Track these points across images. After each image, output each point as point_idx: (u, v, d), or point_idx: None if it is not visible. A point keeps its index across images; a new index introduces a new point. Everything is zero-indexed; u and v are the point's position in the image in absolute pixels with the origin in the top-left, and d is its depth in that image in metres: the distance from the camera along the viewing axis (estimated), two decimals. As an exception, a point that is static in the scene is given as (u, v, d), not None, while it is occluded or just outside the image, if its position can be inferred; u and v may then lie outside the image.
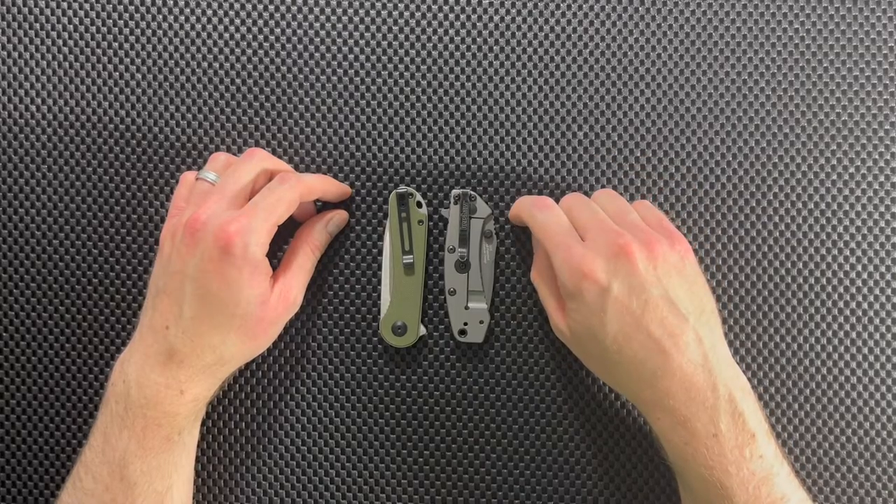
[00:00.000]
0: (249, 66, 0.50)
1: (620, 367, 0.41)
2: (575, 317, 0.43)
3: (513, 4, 0.50)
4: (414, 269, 0.49)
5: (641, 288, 0.40)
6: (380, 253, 0.50)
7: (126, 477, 0.41)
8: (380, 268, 0.50)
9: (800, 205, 0.50)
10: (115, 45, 0.50)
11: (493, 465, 0.50)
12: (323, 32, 0.50)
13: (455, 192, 0.49)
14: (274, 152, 0.50)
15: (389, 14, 0.50)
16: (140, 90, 0.50)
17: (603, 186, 0.50)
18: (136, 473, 0.41)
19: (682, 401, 0.40)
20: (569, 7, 0.50)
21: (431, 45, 0.50)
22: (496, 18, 0.50)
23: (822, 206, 0.50)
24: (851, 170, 0.50)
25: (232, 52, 0.50)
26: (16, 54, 0.51)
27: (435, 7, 0.50)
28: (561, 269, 0.42)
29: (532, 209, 0.45)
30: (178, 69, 0.50)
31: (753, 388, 0.49)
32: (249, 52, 0.50)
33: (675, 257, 0.42)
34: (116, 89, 0.50)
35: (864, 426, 0.49)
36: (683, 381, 0.40)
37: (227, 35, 0.50)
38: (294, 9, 0.50)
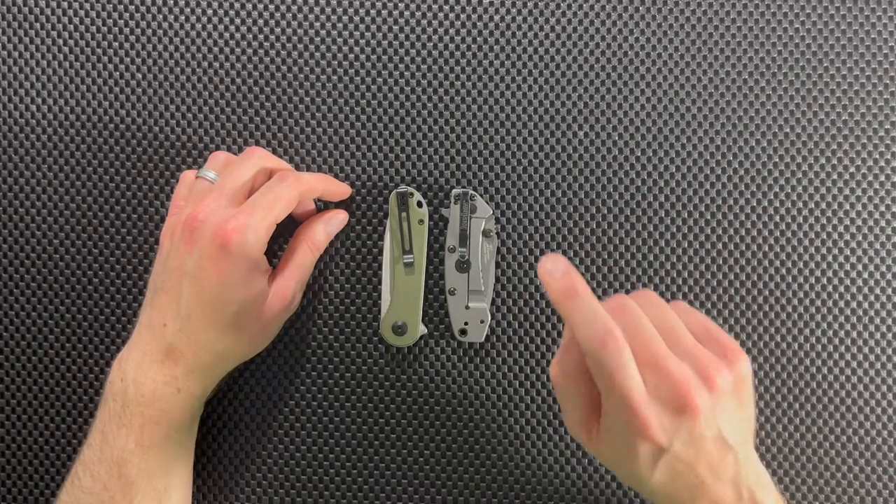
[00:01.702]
0: (249, 66, 0.50)
1: (653, 495, 0.39)
2: (612, 449, 0.39)
3: (513, 4, 0.50)
4: (414, 269, 0.49)
5: (700, 437, 0.37)
6: (380, 252, 0.50)
7: (124, 475, 0.41)
8: (380, 267, 0.50)
9: (800, 204, 0.50)
10: (115, 45, 0.51)
11: (494, 465, 0.50)
12: (323, 32, 0.50)
13: (455, 191, 0.49)
14: (274, 152, 0.50)
15: (389, 14, 0.50)
16: (140, 90, 0.50)
17: (603, 187, 0.50)
18: (135, 472, 0.41)
19: None
20: (569, 7, 0.50)
21: (431, 45, 0.50)
22: (496, 18, 0.50)
23: (823, 205, 0.50)
24: (852, 169, 0.50)
25: (232, 51, 0.50)
26: (16, 54, 0.51)
27: (435, 7, 0.50)
28: (617, 416, 0.38)
29: (598, 348, 0.37)
30: (178, 69, 0.50)
31: (757, 388, 0.49)
32: (249, 52, 0.50)
33: (732, 381, 0.39)
34: (116, 89, 0.51)
35: (865, 426, 0.49)
36: (713, 500, 0.38)
37: (227, 35, 0.50)
38: (294, 9, 0.50)
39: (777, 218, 0.50)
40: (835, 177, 0.50)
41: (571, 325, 0.37)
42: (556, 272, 0.37)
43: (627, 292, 0.50)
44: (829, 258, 0.49)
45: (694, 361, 0.38)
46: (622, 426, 0.38)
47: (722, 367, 0.39)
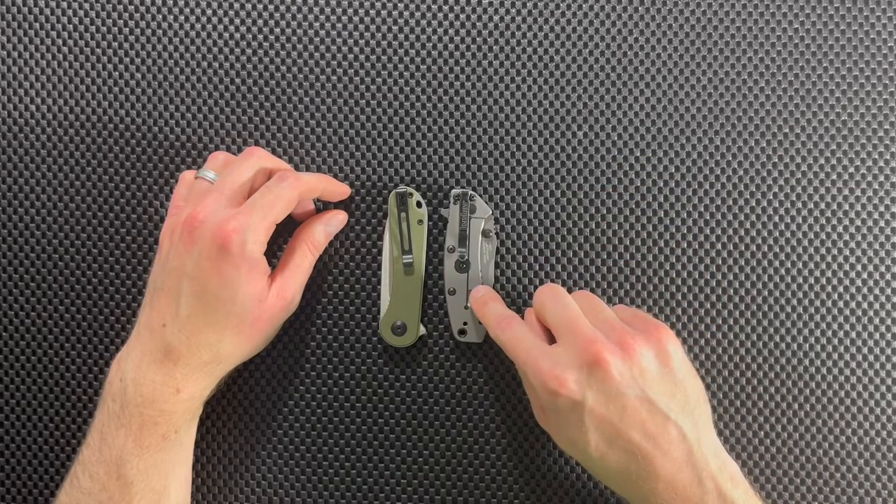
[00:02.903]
0: (249, 66, 0.50)
1: (605, 471, 0.41)
2: (554, 425, 0.42)
3: (513, 4, 0.50)
4: (414, 269, 0.49)
5: (617, 393, 0.39)
6: (379, 253, 0.50)
7: (123, 475, 0.41)
8: (379, 267, 0.50)
9: (799, 205, 0.50)
10: (115, 45, 0.51)
11: (493, 465, 0.50)
12: (323, 32, 0.50)
13: (455, 191, 0.49)
14: (274, 152, 0.50)
15: (389, 14, 0.50)
16: (140, 90, 0.50)
17: (603, 187, 0.50)
18: (133, 472, 0.41)
19: (669, 499, 0.39)
20: (569, 7, 0.50)
21: (431, 45, 0.50)
22: (496, 18, 0.50)
23: (822, 205, 0.50)
24: (851, 170, 0.50)
25: (232, 52, 0.50)
26: (16, 54, 0.51)
27: (435, 7, 0.50)
28: (534, 384, 0.41)
29: (496, 330, 0.44)
30: (178, 69, 0.50)
31: (753, 390, 0.49)
32: (249, 52, 0.50)
33: (654, 351, 0.41)
34: (116, 89, 0.51)
35: (864, 426, 0.49)
36: (668, 481, 0.39)
37: (227, 35, 0.50)
38: (294, 9, 0.50)
39: (776, 218, 0.50)
40: (834, 177, 0.50)
41: (485, 325, 0.46)
42: (479, 293, 0.47)
43: (626, 293, 0.50)
44: (829, 258, 0.49)
45: (610, 331, 0.41)
46: (541, 394, 0.41)
47: (639, 336, 0.41)
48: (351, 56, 0.50)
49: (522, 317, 0.45)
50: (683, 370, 0.41)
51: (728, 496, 0.39)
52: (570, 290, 0.48)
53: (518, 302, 0.50)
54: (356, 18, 0.50)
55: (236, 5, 0.50)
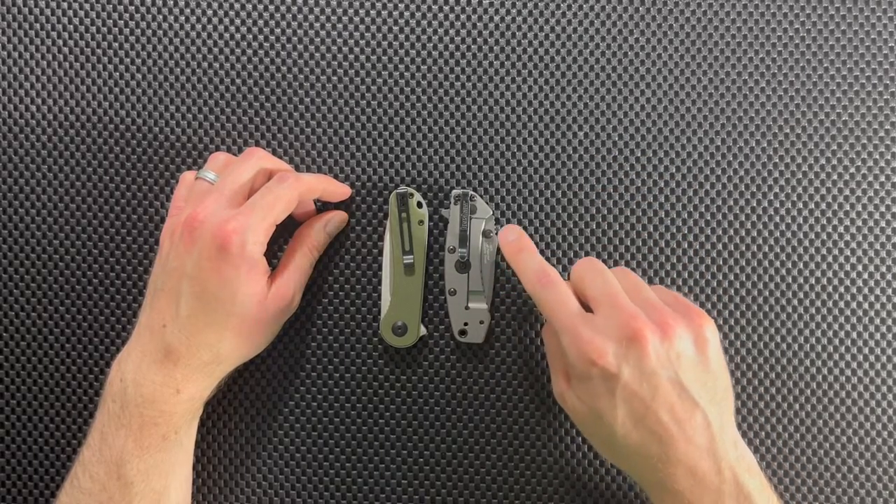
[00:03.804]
0: (249, 66, 0.50)
1: (626, 449, 0.40)
2: (581, 395, 0.42)
3: (513, 4, 0.50)
4: (414, 270, 0.49)
5: (652, 373, 0.39)
6: (380, 253, 0.50)
7: (123, 476, 0.41)
8: (380, 268, 0.50)
9: (800, 205, 0.50)
10: (115, 45, 0.51)
11: (494, 465, 0.50)
12: (323, 32, 0.50)
13: (455, 192, 0.49)
14: (274, 152, 0.50)
15: (389, 14, 0.50)
16: (140, 90, 0.50)
17: (603, 187, 0.50)
18: (133, 472, 0.41)
19: (687, 486, 0.39)
20: (569, 7, 0.50)
21: (431, 45, 0.50)
22: (496, 18, 0.50)
23: (823, 205, 0.50)
24: (852, 170, 0.50)
25: (232, 52, 0.50)
26: (16, 54, 0.51)
27: (435, 7, 0.50)
28: (569, 350, 0.41)
29: (536, 286, 0.43)
30: (178, 69, 0.50)
31: (754, 390, 0.49)
32: (249, 52, 0.50)
33: (692, 336, 0.40)
34: (116, 89, 0.51)
35: (865, 426, 0.49)
36: (688, 467, 0.39)
37: (227, 35, 0.50)
38: (294, 9, 0.50)
39: (777, 218, 0.50)
40: (835, 177, 0.50)
41: (519, 274, 0.44)
42: (511, 236, 0.46)
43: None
44: (829, 258, 0.49)
45: (651, 310, 0.41)
46: (576, 362, 0.40)
47: (680, 319, 0.41)
48: (351, 56, 0.50)
49: None
50: (717, 361, 0.41)
51: (744, 487, 0.39)
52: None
53: (518, 302, 0.50)
54: (356, 19, 0.50)
55: (236, 5, 0.50)
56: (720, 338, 0.42)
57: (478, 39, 0.50)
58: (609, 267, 0.44)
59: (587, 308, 0.43)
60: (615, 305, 0.41)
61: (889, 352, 0.49)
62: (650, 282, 0.50)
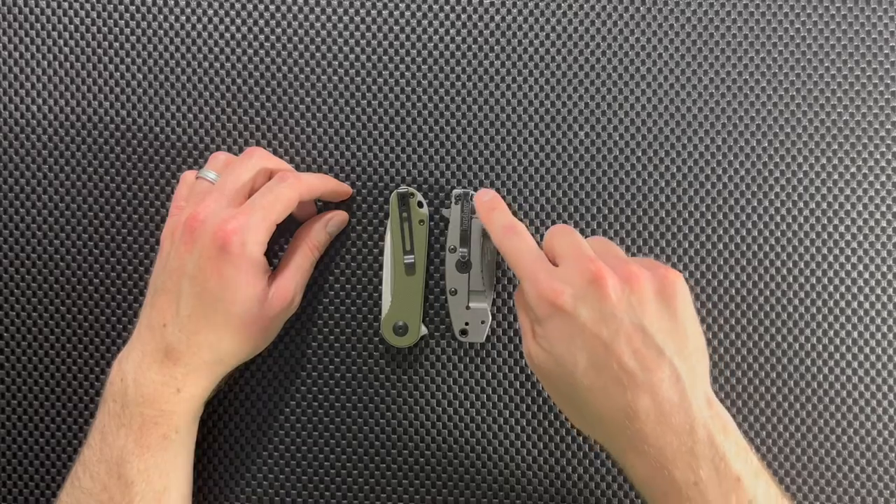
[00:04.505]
0: (250, 66, 0.50)
1: (591, 404, 0.38)
2: (543, 344, 0.40)
3: (513, 4, 0.50)
4: (415, 269, 0.49)
5: (612, 315, 0.38)
6: (381, 253, 0.50)
7: (123, 475, 0.41)
8: (381, 268, 0.50)
9: (801, 205, 0.50)
10: (116, 45, 0.51)
11: (495, 465, 0.50)
12: (324, 32, 0.50)
13: (456, 191, 0.49)
14: (274, 152, 0.50)
15: (390, 14, 0.50)
16: (141, 90, 0.50)
17: (604, 187, 0.50)
18: (134, 472, 0.41)
19: (658, 446, 0.37)
20: (570, 7, 0.50)
21: (432, 45, 0.50)
22: (497, 18, 0.50)
23: (824, 206, 0.49)
24: (853, 170, 0.49)
25: (232, 52, 0.50)
26: (17, 54, 0.51)
27: (436, 7, 0.50)
28: (529, 296, 0.40)
29: (503, 237, 0.43)
30: (179, 69, 0.50)
31: (755, 389, 0.49)
32: (250, 52, 0.50)
33: (657, 286, 0.39)
34: (117, 89, 0.51)
35: (866, 426, 0.49)
36: (659, 423, 0.37)
37: (227, 35, 0.50)
38: (294, 9, 0.50)
39: (778, 218, 0.50)
40: (836, 177, 0.50)
41: (489, 231, 0.44)
42: (485, 196, 0.46)
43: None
44: (831, 258, 0.49)
45: (617, 263, 0.40)
46: (536, 306, 0.39)
47: (645, 271, 0.39)
48: (352, 56, 0.50)
49: None
50: (686, 315, 0.39)
51: (719, 447, 0.36)
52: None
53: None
54: (357, 18, 0.50)
55: (237, 5, 0.50)
56: (691, 295, 0.40)
57: (479, 39, 0.50)
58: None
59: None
60: (578, 256, 0.40)
61: (890, 351, 0.49)
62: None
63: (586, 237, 0.44)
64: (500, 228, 0.44)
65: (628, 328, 0.38)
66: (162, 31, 0.50)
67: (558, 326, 0.39)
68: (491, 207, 0.45)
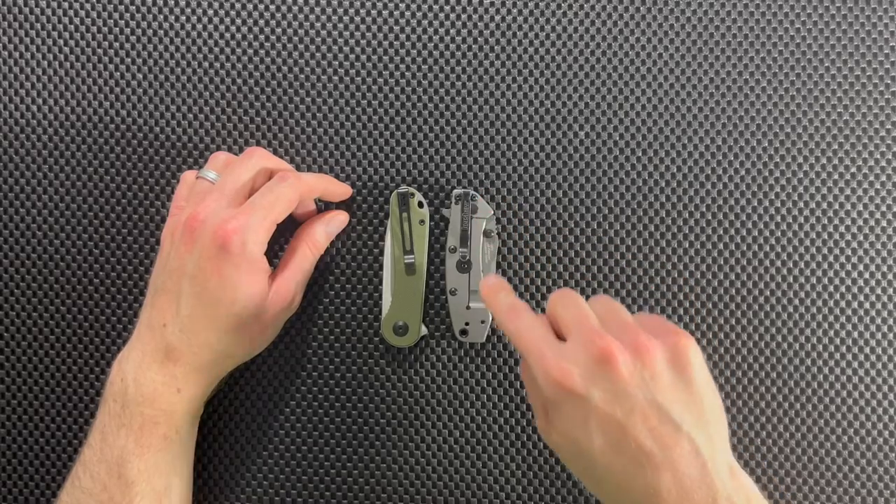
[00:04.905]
0: (250, 66, 0.50)
1: (610, 483, 0.37)
2: (558, 427, 0.39)
3: (513, 4, 0.50)
4: (415, 269, 0.49)
5: (625, 393, 0.36)
6: (381, 253, 0.50)
7: (124, 475, 0.41)
8: (381, 268, 0.50)
9: (801, 205, 0.50)
10: (116, 45, 0.51)
11: (496, 465, 0.50)
12: (324, 32, 0.50)
13: (456, 191, 0.49)
14: (275, 152, 0.50)
15: (391, 14, 0.50)
16: (141, 90, 0.50)
17: (604, 187, 0.50)
18: (134, 472, 0.41)
19: None
20: (570, 7, 0.50)
21: (433, 44, 0.50)
22: (497, 18, 0.50)
23: (824, 206, 0.49)
24: (853, 170, 0.49)
25: (232, 52, 0.50)
26: (17, 54, 0.51)
27: (436, 7, 0.50)
28: (538, 377, 0.38)
29: (506, 319, 0.41)
30: (179, 69, 0.50)
31: (755, 390, 0.49)
32: (250, 52, 0.50)
33: (670, 356, 0.38)
34: (117, 89, 0.51)
35: (866, 426, 0.49)
36: (681, 499, 0.35)
37: (227, 35, 0.50)
38: (295, 9, 0.50)
39: (778, 218, 0.50)
40: (836, 177, 0.50)
41: (493, 313, 0.43)
42: (488, 281, 0.44)
43: (629, 293, 0.50)
44: (831, 258, 0.49)
45: (624, 332, 0.38)
46: (546, 389, 0.38)
47: (654, 339, 0.38)
48: (352, 56, 0.50)
49: None
50: (702, 382, 0.38)
51: None
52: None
53: (519, 302, 0.50)
54: (357, 18, 0.50)
55: (237, 5, 0.50)
56: (704, 357, 0.39)
57: (479, 39, 0.50)
58: (595, 291, 0.43)
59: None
60: (583, 329, 0.38)
61: (890, 351, 0.49)
62: (650, 282, 0.50)
63: (587, 297, 0.42)
64: (505, 308, 0.42)
65: (643, 405, 0.36)
66: (162, 31, 0.50)
67: (571, 409, 0.38)
68: (495, 291, 0.44)
